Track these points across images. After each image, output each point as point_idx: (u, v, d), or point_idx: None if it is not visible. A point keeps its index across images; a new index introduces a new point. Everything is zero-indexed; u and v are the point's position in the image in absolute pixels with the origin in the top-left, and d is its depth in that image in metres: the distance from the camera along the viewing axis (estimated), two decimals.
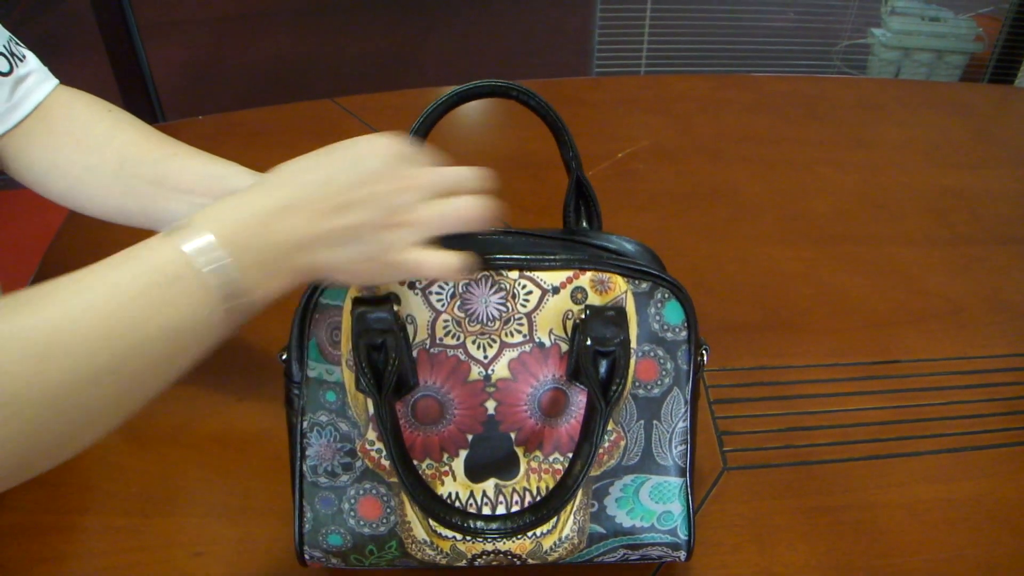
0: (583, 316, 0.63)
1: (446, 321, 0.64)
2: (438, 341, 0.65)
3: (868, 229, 1.23)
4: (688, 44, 3.11)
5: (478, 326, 0.65)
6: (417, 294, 0.64)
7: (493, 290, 0.64)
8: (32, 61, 0.84)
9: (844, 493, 0.83)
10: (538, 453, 0.66)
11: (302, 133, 1.47)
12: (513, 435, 0.66)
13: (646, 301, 0.65)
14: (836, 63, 3.46)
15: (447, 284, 0.63)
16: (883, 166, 1.39)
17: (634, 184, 1.32)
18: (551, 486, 0.66)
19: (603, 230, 0.73)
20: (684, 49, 3.10)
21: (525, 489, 0.66)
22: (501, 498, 0.66)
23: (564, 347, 0.65)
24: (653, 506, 0.68)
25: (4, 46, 0.81)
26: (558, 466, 0.66)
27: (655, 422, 0.67)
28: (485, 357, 0.65)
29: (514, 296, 0.64)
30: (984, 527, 0.80)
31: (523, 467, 0.66)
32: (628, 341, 0.64)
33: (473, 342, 0.65)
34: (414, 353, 0.64)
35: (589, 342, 0.62)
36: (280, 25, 4.54)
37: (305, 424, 0.66)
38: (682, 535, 0.69)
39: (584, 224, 0.73)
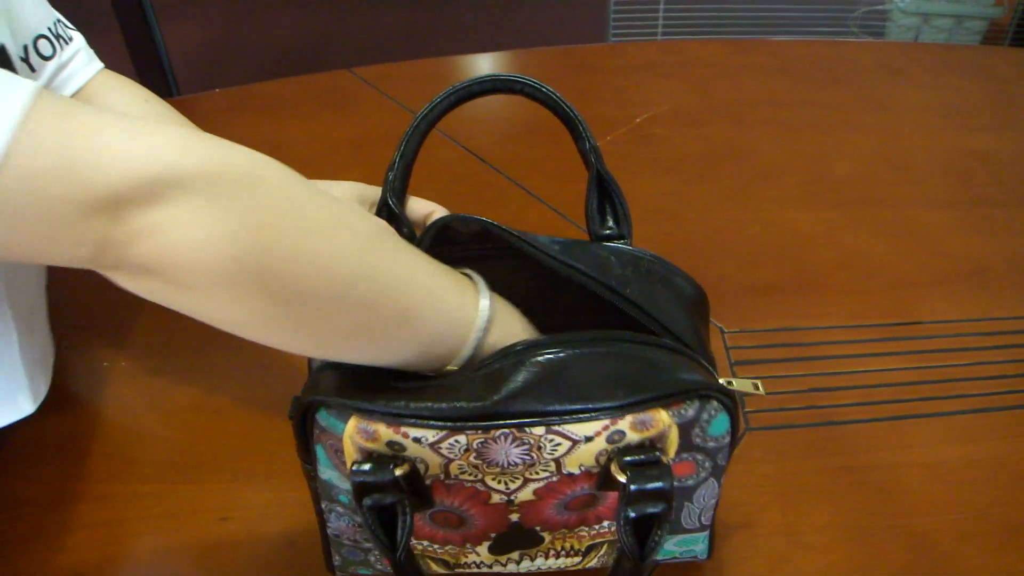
0: (625, 488, 0.55)
1: (461, 465, 0.57)
2: (453, 477, 0.58)
3: (889, 191, 1.22)
4: (704, 10, 3.08)
5: (497, 468, 0.57)
6: (424, 447, 0.56)
7: (514, 445, 0.56)
8: (77, 42, 0.83)
9: (867, 453, 0.83)
10: (563, 530, 0.63)
11: (319, 104, 1.47)
12: (538, 528, 0.62)
13: (691, 425, 0.58)
14: (853, 30, 3.43)
15: (459, 441, 0.55)
16: (904, 129, 1.38)
17: (654, 149, 1.32)
18: (576, 546, 0.64)
19: (628, 213, 0.68)
20: (700, 16, 3.08)
21: (550, 549, 0.64)
22: (526, 559, 0.65)
23: (595, 470, 0.58)
24: (677, 548, 0.67)
25: (50, 28, 0.80)
26: (583, 534, 0.64)
27: (686, 503, 0.63)
28: (507, 488, 0.59)
29: (540, 448, 0.56)
30: (1007, 487, 0.80)
31: (548, 538, 0.64)
32: (672, 502, 0.56)
33: (493, 479, 0.58)
34: (427, 482, 0.58)
35: (632, 513, 0.55)
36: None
37: (324, 505, 0.64)
38: (702, 556, 0.69)
39: (611, 224, 0.68)
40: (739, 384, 0.60)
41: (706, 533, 0.67)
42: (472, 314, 0.58)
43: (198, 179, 0.46)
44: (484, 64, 1.63)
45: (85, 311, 0.99)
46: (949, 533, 0.76)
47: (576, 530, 0.63)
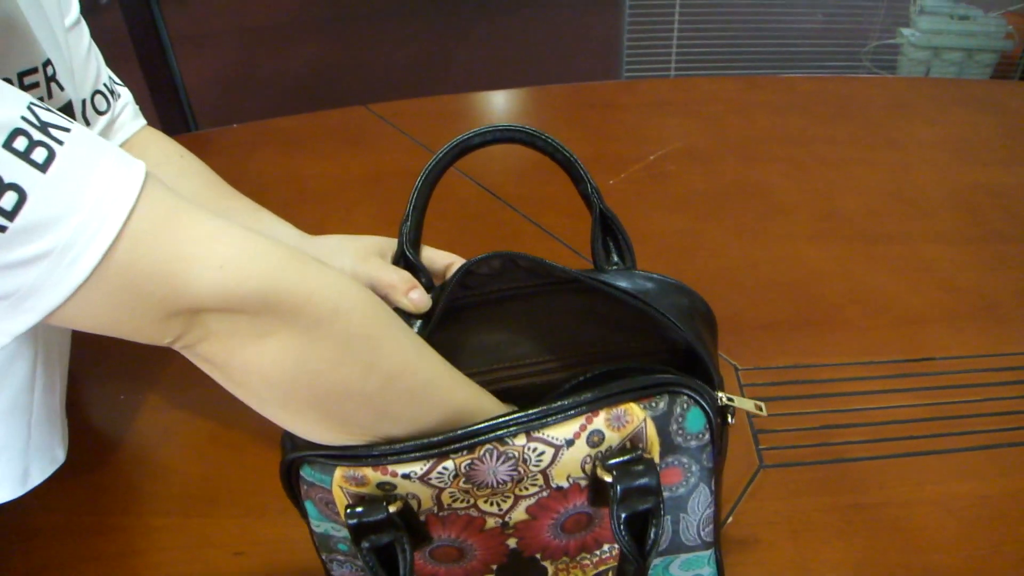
0: (613, 488, 0.56)
1: (452, 493, 0.57)
2: (446, 507, 0.58)
3: (900, 227, 1.23)
4: (717, 47, 3.10)
5: (488, 489, 0.58)
6: (414, 482, 0.56)
7: (500, 461, 0.56)
8: (125, 97, 0.87)
9: (879, 490, 0.83)
10: (565, 558, 0.64)
11: (336, 139, 1.49)
12: (539, 555, 0.63)
13: (666, 420, 0.59)
14: (866, 64, 3.44)
15: (447, 468, 0.56)
16: (914, 164, 1.39)
17: (666, 186, 1.32)
18: None
19: (631, 245, 0.69)
20: (713, 52, 3.10)
21: None
22: None
23: (584, 483, 0.59)
24: (684, 572, 0.67)
25: (105, 84, 0.83)
26: (586, 562, 0.64)
27: (681, 514, 0.64)
28: (500, 510, 0.59)
29: (525, 460, 0.56)
30: (1019, 523, 0.80)
31: (551, 570, 0.64)
32: (661, 496, 0.57)
33: (485, 501, 0.59)
34: (421, 518, 0.59)
35: (624, 515, 0.56)
36: (309, 34, 4.58)
37: (324, 556, 0.65)
38: None
39: (615, 259, 0.69)
40: (740, 403, 0.61)
41: (711, 552, 0.67)
42: None
43: (280, 307, 0.49)
44: (498, 100, 1.64)
45: (104, 344, 0.99)
46: (961, 570, 0.76)
47: (578, 558, 0.63)
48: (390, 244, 0.76)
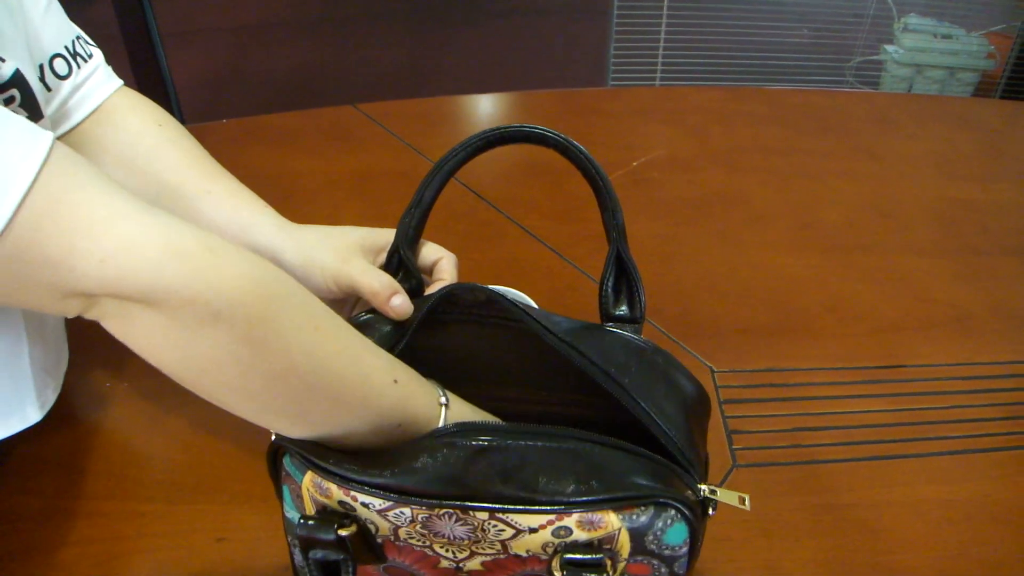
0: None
1: (408, 531, 0.57)
2: (402, 540, 0.58)
3: (877, 238, 1.25)
4: (702, 59, 3.13)
5: (444, 539, 0.57)
6: (372, 512, 0.56)
7: (458, 524, 0.55)
8: (96, 59, 0.83)
9: (849, 492, 0.85)
10: None
11: (324, 138, 1.50)
12: None
13: (645, 529, 0.55)
14: (849, 79, 3.47)
15: (403, 512, 0.55)
16: (893, 178, 1.41)
17: (649, 192, 1.34)
18: None
19: (643, 298, 0.66)
20: (698, 64, 3.12)
21: None
22: None
23: (544, 558, 0.56)
24: None
25: (67, 46, 0.80)
26: None
27: None
28: (455, 557, 0.58)
29: (484, 530, 0.55)
30: (986, 527, 0.82)
31: None
32: None
33: (441, 547, 0.58)
34: (379, 540, 0.58)
35: None
36: (299, 34, 4.58)
37: (289, 539, 0.65)
38: None
39: (624, 307, 0.66)
40: (723, 496, 0.58)
41: None
42: (431, 410, 0.61)
43: (162, 304, 0.50)
44: (486, 104, 1.66)
45: (89, 332, 1.00)
46: (928, 571, 0.77)
47: None
48: (375, 236, 0.75)
